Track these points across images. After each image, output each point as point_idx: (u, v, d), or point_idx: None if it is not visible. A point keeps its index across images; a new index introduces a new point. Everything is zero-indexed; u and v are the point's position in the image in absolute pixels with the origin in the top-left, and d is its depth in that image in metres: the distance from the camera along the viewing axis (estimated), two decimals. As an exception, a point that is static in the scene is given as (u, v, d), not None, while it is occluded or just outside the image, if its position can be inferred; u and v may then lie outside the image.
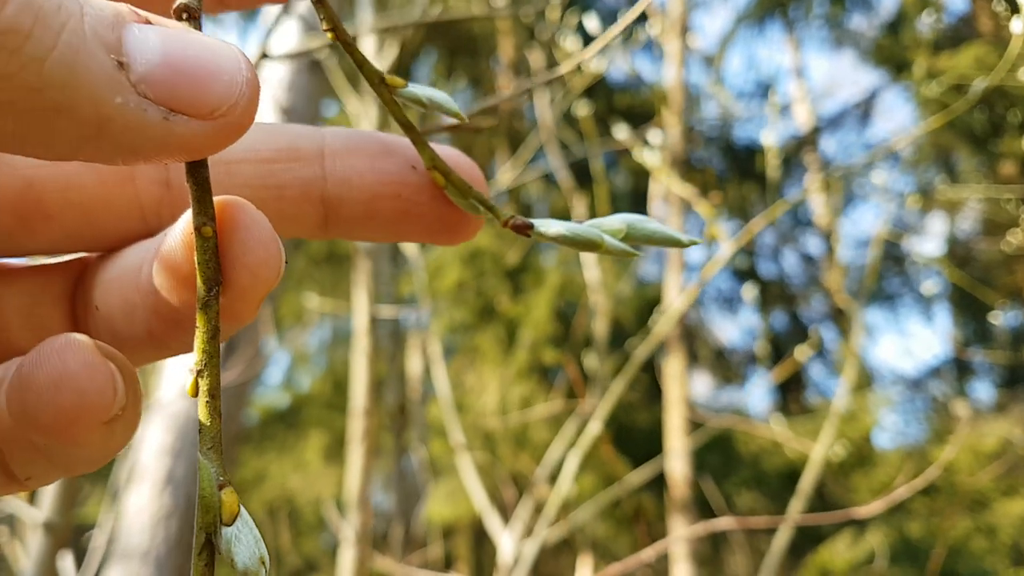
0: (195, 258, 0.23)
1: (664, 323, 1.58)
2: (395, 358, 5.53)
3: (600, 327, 3.14)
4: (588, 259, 2.78)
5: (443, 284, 5.44)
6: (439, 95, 0.29)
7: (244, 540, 0.21)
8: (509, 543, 1.67)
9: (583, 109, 2.25)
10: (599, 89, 5.67)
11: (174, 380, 2.64)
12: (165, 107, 0.21)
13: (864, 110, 7.54)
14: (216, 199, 0.24)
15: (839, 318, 6.44)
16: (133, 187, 0.28)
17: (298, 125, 0.30)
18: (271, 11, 1.83)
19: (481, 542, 6.02)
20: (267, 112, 2.22)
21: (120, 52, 0.20)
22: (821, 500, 4.94)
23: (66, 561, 1.03)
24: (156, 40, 0.21)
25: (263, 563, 0.21)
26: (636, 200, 6.14)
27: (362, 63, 0.28)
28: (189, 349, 0.25)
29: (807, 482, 1.68)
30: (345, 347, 7.27)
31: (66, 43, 0.19)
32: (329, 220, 0.29)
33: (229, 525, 0.21)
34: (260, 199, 0.27)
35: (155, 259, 0.25)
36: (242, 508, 0.22)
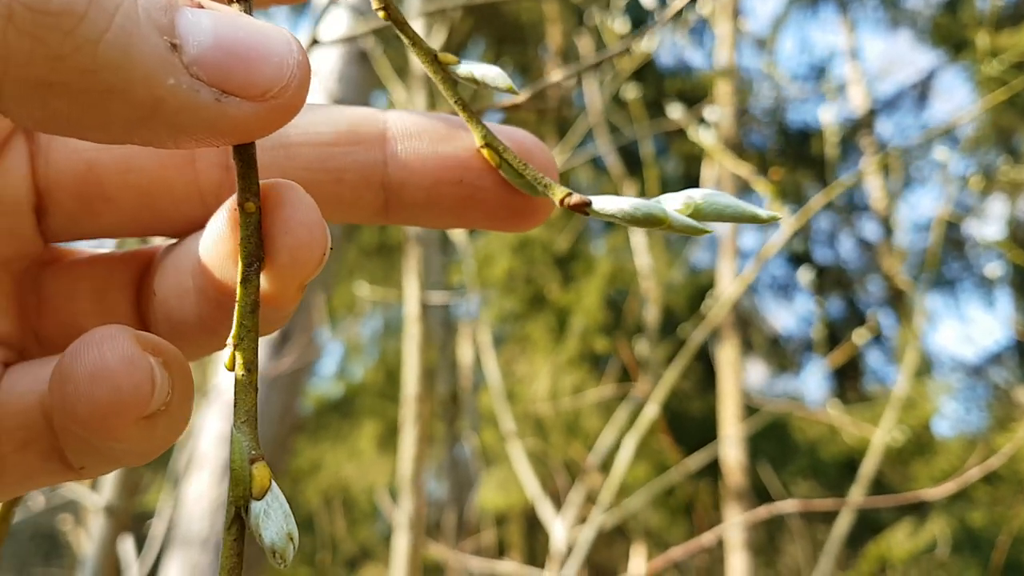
0: (237, 235, 0.23)
1: (719, 308, 1.55)
2: (446, 347, 5.56)
3: (652, 314, 3.11)
4: (639, 246, 2.75)
5: (493, 273, 5.45)
6: (493, 71, 0.29)
7: (273, 515, 0.21)
8: (561, 531, 1.66)
9: (632, 92, 2.22)
10: (649, 74, 5.61)
11: (229, 377, 2.68)
12: (217, 89, 0.21)
13: (921, 91, 7.35)
14: (266, 180, 0.24)
15: (897, 304, 6.29)
16: (193, 170, 0.28)
17: (361, 108, 0.30)
18: (320, 1, 1.84)
19: (534, 530, 6.03)
20: (319, 103, 2.24)
21: (173, 34, 0.20)
22: (880, 489, 4.84)
23: (126, 545, 1.05)
24: (208, 22, 0.21)
25: (291, 539, 0.21)
26: (688, 185, 6.07)
27: (415, 40, 0.28)
28: None
29: (867, 468, 1.64)
30: (397, 337, 7.34)
31: (120, 25, 0.19)
32: (390, 205, 0.29)
33: (259, 499, 0.21)
34: (319, 183, 0.27)
35: (204, 237, 0.25)
36: (273, 483, 0.22)
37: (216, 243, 0.25)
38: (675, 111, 1.44)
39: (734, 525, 3.36)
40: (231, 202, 0.24)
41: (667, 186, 6.11)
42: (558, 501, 1.96)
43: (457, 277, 5.43)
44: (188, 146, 0.22)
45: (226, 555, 0.21)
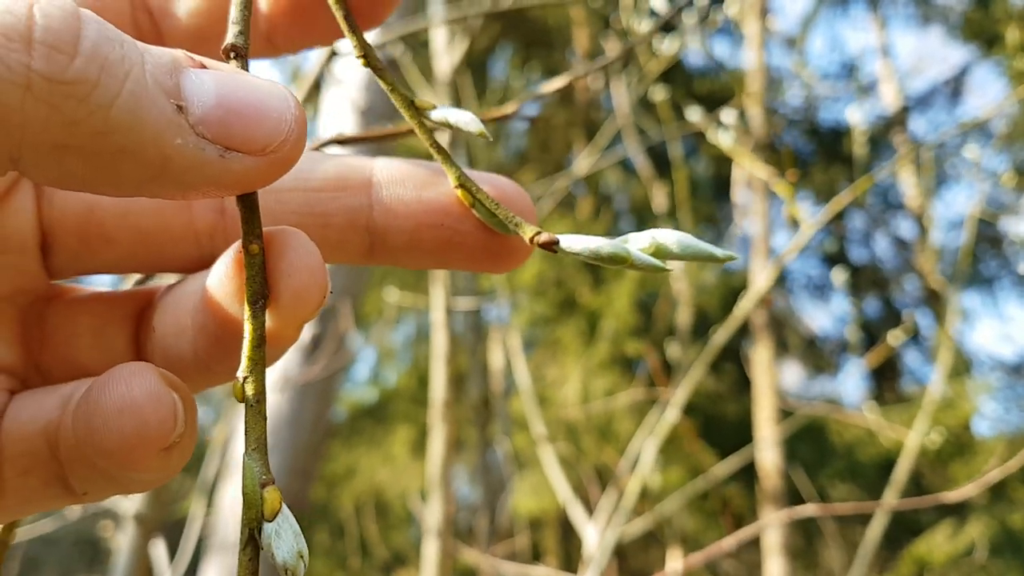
0: (244, 274, 0.25)
1: (746, 304, 1.54)
2: (477, 352, 5.56)
3: (683, 317, 3.09)
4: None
5: (523, 278, 5.45)
6: (465, 116, 0.30)
7: (284, 536, 0.22)
8: (594, 535, 1.65)
9: (660, 94, 2.21)
10: (677, 75, 5.59)
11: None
12: (221, 146, 0.22)
13: (954, 88, 7.24)
14: (271, 227, 0.26)
15: (934, 303, 6.19)
16: (189, 213, 0.30)
17: (349, 155, 0.32)
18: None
19: (568, 534, 6.01)
20: (345, 114, 2.25)
21: (179, 96, 0.22)
22: (918, 490, 4.76)
23: (159, 550, 1.07)
24: (211, 83, 0.23)
25: (301, 558, 0.22)
26: (718, 186, 6.03)
27: (393, 87, 0.30)
28: (233, 375, 0.26)
29: (902, 470, 1.61)
30: (429, 342, 7.36)
31: (129, 91, 0.21)
32: (375, 248, 0.30)
33: (271, 521, 0.22)
34: (306, 226, 0.29)
35: (207, 278, 0.27)
36: (284, 506, 0.23)
37: (222, 282, 0.26)
38: (694, 114, 1.43)
39: (765, 525, 3.32)
40: (237, 245, 0.26)
41: (698, 187, 6.06)
42: (590, 506, 1.95)
43: (487, 282, 5.44)
44: (195, 198, 0.23)
45: (241, 574, 0.22)
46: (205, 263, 0.29)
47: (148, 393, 0.23)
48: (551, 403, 5.03)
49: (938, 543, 4.15)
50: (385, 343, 8.16)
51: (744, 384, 5.17)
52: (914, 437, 1.73)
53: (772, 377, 4.40)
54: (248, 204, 0.25)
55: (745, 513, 4.78)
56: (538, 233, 0.28)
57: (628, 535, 1.79)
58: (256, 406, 0.24)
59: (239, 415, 2.80)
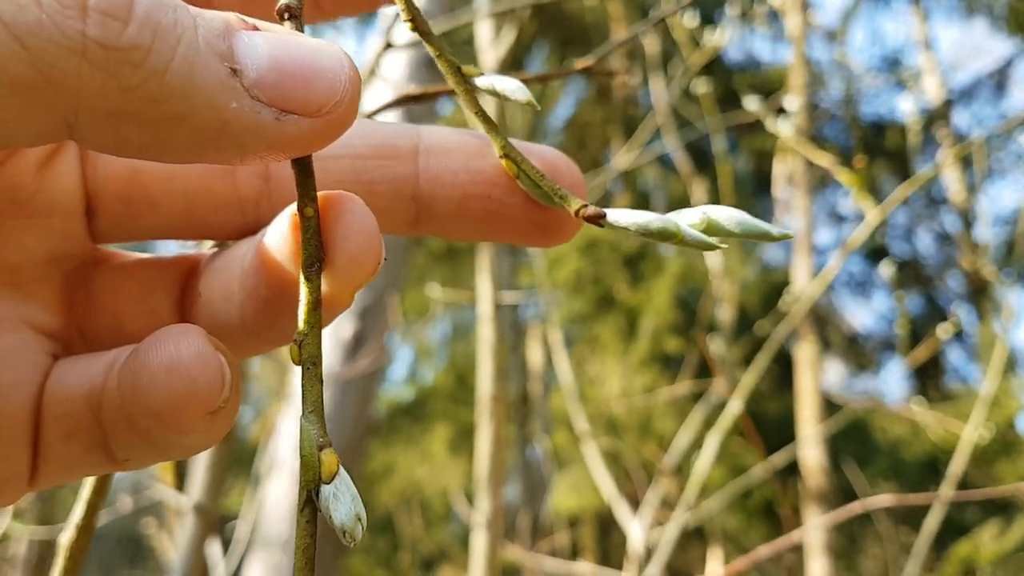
0: (299, 238, 0.25)
1: (800, 306, 1.52)
2: (516, 349, 5.57)
3: (725, 313, 3.05)
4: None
5: (561, 275, 5.44)
6: (512, 84, 0.30)
7: (342, 498, 0.22)
8: (639, 532, 1.64)
9: (702, 87, 2.19)
10: (717, 70, 5.54)
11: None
12: (276, 108, 0.22)
13: (998, 80, 7.10)
14: (328, 191, 0.26)
15: (977, 299, 6.07)
16: (234, 180, 0.29)
17: (396, 123, 0.31)
18: (390, 9, 1.86)
19: (607, 532, 5.99)
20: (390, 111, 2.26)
21: (232, 60, 0.22)
22: (963, 488, 4.67)
23: (214, 546, 1.08)
24: (264, 45, 0.22)
25: (359, 520, 0.22)
26: (758, 183, 5.97)
27: (440, 52, 0.29)
28: (279, 341, 0.27)
29: (956, 466, 1.58)
30: (466, 341, 7.37)
31: (183, 56, 0.21)
32: (420, 218, 0.30)
33: (328, 483, 0.22)
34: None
35: (259, 242, 0.27)
36: (341, 468, 0.23)
37: (276, 245, 0.26)
38: (751, 103, 1.41)
39: (816, 526, 3.28)
40: (292, 208, 0.25)
41: (738, 183, 6.01)
42: (633, 503, 1.94)
43: (526, 279, 5.43)
44: (250, 163, 0.23)
45: (300, 535, 0.22)
46: (249, 230, 0.29)
47: (196, 353, 0.23)
48: (590, 401, 5.01)
49: (984, 542, 4.07)
50: (423, 342, 8.20)
51: (785, 381, 5.11)
52: (968, 430, 1.69)
53: (815, 374, 4.35)
54: (303, 167, 0.25)
55: (789, 511, 4.73)
56: (584, 206, 0.27)
57: (677, 532, 1.77)
58: (312, 369, 0.24)
59: (281, 413, 2.83)
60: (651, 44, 2.90)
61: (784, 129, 1.38)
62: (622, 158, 2.49)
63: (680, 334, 4.83)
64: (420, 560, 5.84)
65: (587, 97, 6.77)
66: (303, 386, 0.23)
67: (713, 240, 0.26)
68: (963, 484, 4.87)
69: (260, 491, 2.70)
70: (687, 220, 0.26)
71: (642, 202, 6.27)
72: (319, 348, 0.24)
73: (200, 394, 0.22)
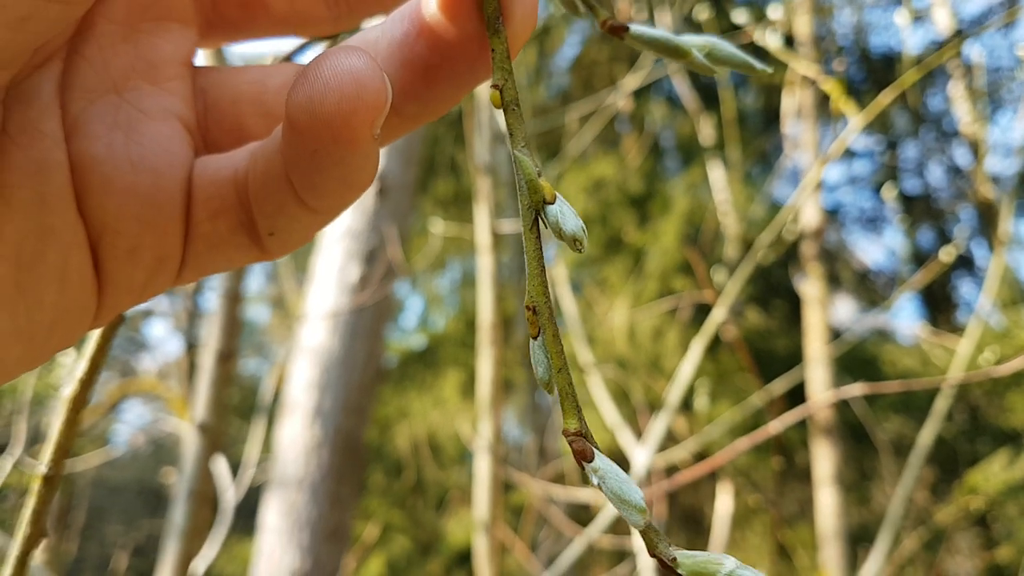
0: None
1: (784, 213, 1.50)
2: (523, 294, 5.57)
3: (731, 249, 3.04)
4: (717, 181, 2.68)
5: (569, 217, 5.40)
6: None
7: (567, 214, 0.25)
8: (642, 457, 1.65)
9: (704, 13, 2.14)
10: (723, 3, 5.42)
11: (314, 327, 2.76)
12: None
13: (1009, 8, 6.93)
14: None
15: (989, 233, 6.01)
16: None
17: None
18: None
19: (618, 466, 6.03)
20: None
21: None
22: (974, 421, 4.69)
23: (220, 464, 1.10)
24: None
25: (584, 231, 0.25)
26: (767, 118, 5.89)
27: None
28: (421, 116, 0.29)
29: (953, 377, 1.58)
30: (475, 287, 7.38)
31: None
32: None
33: (552, 203, 0.25)
34: None
35: (411, 14, 0.28)
36: (557, 194, 0.26)
37: (433, 13, 0.27)
38: (740, 16, 1.39)
39: (817, 408, 3.30)
40: None
41: (746, 120, 5.93)
42: (641, 435, 1.95)
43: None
44: None
45: (530, 249, 0.25)
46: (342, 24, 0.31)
47: (366, 64, 0.24)
48: (599, 342, 5.03)
49: (994, 472, 4.09)
50: (433, 290, 8.23)
51: (794, 320, 5.10)
52: (964, 344, 1.69)
53: (824, 309, 4.33)
54: None
55: (796, 446, 4.76)
56: (610, 17, 0.30)
57: (677, 459, 1.78)
58: (516, 110, 0.26)
59: (292, 356, 2.85)
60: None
61: (772, 41, 1.36)
62: (628, 83, 2.44)
63: (687, 273, 4.82)
64: (434, 502, 5.92)
65: (593, 35, 6.66)
66: (510, 124, 0.26)
67: (712, 65, 0.29)
68: (974, 417, 4.88)
69: (274, 433, 2.74)
70: (695, 44, 0.29)
71: (651, 142, 6.20)
72: (516, 92, 0.27)
73: (369, 99, 0.23)
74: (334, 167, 0.25)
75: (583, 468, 0.26)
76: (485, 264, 1.48)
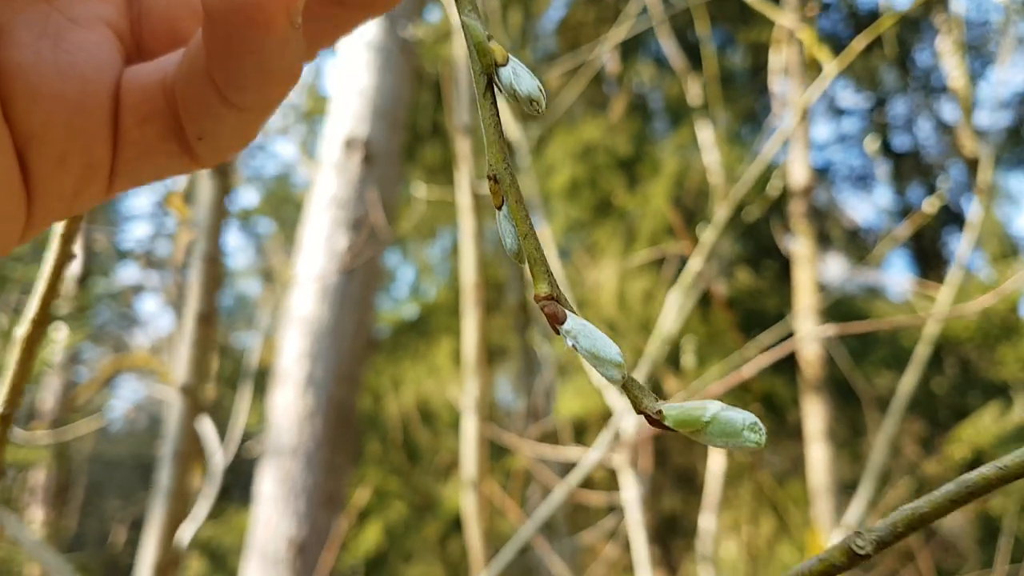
0: None
1: (758, 163, 1.50)
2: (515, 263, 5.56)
3: (720, 210, 3.02)
4: (706, 142, 2.67)
5: (556, 183, 5.39)
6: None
7: (522, 75, 0.25)
8: (632, 420, 1.66)
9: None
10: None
11: (303, 297, 2.76)
12: None
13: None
14: None
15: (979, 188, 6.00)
16: None
17: None
18: None
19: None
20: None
21: None
22: (965, 374, 4.72)
23: (205, 424, 1.10)
24: None
25: (541, 91, 0.24)
26: (754, 76, 5.85)
27: None
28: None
29: (931, 328, 1.59)
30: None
31: None
32: None
33: (504, 65, 0.24)
34: None
35: None
36: (510, 55, 0.25)
37: None
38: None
39: (815, 414, 3.32)
40: None
41: (735, 78, 5.90)
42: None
43: (526, 190, 5.38)
44: None
45: (486, 117, 0.24)
46: None
47: None
48: (589, 305, 5.04)
49: (985, 425, 4.13)
50: (424, 259, 8.22)
51: (785, 279, 5.11)
52: (945, 292, 1.70)
53: (813, 269, 4.34)
54: None
55: (787, 404, 4.79)
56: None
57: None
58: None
59: (282, 326, 2.85)
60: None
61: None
62: (613, 35, 2.42)
63: (677, 236, 4.81)
64: (430, 468, 5.96)
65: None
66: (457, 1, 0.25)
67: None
68: (964, 370, 4.90)
69: (266, 403, 2.75)
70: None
71: (639, 103, 6.17)
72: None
73: None
74: (250, 54, 0.25)
75: (556, 331, 0.26)
76: (467, 226, 1.47)
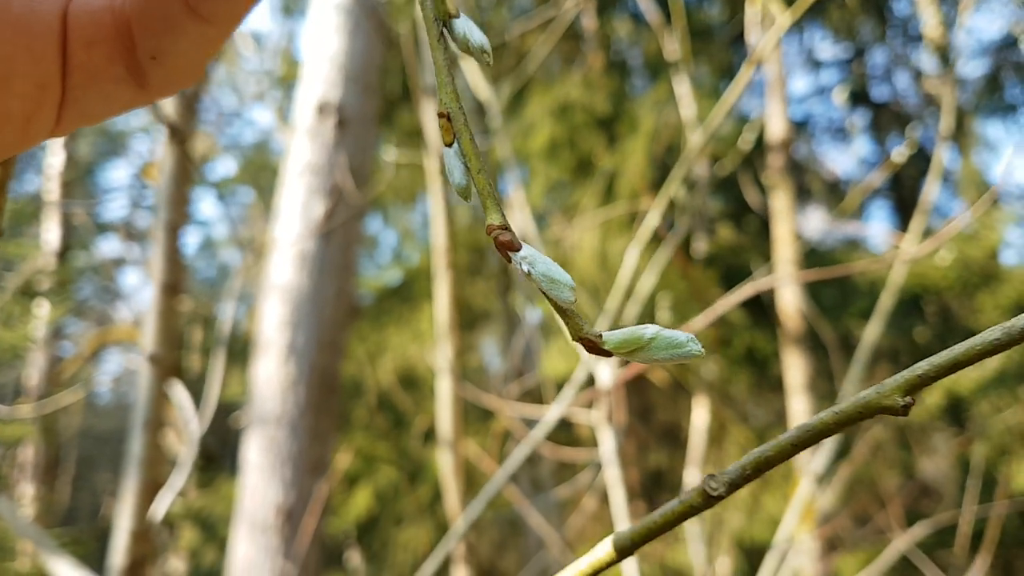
0: None
1: (718, 113, 1.49)
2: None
3: (699, 166, 3.02)
4: (684, 96, 2.66)
5: (535, 144, 5.36)
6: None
7: (472, 28, 0.26)
8: (607, 372, 1.67)
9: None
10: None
11: (282, 265, 2.75)
12: None
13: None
14: None
15: (960, 138, 6.01)
16: None
17: None
18: None
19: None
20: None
21: None
22: (946, 322, 4.76)
23: (177, 390, 1.10)
24: None
25: (488, 44, 0.26)
26: (732, 30, 5.81)
27: None
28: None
29: (897, 273, 1.60)
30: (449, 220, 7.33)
31: None
32: None
33: (458, 17, 0.25)
34: None
35: None
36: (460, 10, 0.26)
37: None
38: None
39: (795, 367, 3.35)
40: None
41: (711, 34, 5.85)
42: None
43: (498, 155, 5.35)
44: None
45: (438, 60, 0.25)
46: None
47: None
48: (571, 267, 5.04)
49: (965, 372, 4.18)
50: (405, 224, 8.19)
51: (766, 235, 5.12)
52: (909, 239, 1.71)
53: (791, 222, 4.35)
54: None
55: (769, 358, 4.83)
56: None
57: (642, 369, 1.80)
58: None
59: (264, 298, 2.84)
60: None
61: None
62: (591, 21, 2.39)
63: (657, 192, 4.80)
64: (417, 433, 6.00)
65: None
66: None
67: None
68: (945, 318, 4.94)
69: (250, 372, 2.75)
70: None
71: (617, 61, 6.12)
72: None
73: None
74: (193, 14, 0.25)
75: (509, 259, 0.26)
76: (435, 189, 1.47)
